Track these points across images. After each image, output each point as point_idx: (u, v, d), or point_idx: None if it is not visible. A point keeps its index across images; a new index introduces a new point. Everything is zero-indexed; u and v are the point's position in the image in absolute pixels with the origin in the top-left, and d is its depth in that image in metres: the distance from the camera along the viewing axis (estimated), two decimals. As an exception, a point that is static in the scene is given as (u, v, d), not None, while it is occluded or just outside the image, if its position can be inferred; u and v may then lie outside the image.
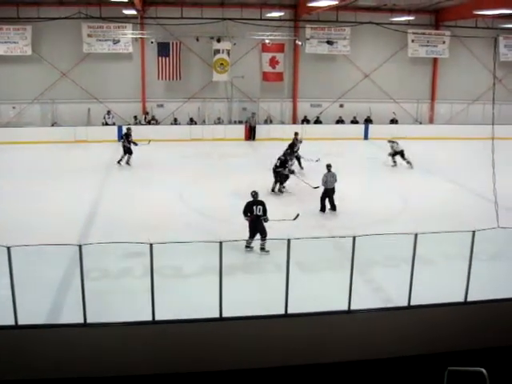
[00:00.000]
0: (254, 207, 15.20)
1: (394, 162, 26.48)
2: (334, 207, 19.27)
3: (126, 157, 26.59)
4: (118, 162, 26.48)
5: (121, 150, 26.76)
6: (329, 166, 19.30)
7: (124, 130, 28.58)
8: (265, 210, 15.22)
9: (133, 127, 30.14)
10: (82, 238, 15.47)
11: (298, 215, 16.25)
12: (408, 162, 26.13)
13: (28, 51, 32.61)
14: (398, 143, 26.46)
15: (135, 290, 12.50)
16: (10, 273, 9.74)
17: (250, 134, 33.81)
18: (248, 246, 15.40)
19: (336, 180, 19.16)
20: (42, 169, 25.33)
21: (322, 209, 19.25)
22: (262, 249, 15.28)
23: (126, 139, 26.71)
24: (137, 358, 10.37)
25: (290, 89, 36.16)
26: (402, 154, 26.17)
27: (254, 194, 15.58)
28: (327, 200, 19.23)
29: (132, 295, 12.41)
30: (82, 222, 17.78)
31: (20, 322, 10.04)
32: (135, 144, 26.59)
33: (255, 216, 15.09)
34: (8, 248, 9.61)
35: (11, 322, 10.01)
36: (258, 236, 15.22)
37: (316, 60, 35.17)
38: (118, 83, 34.05)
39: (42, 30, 32.44)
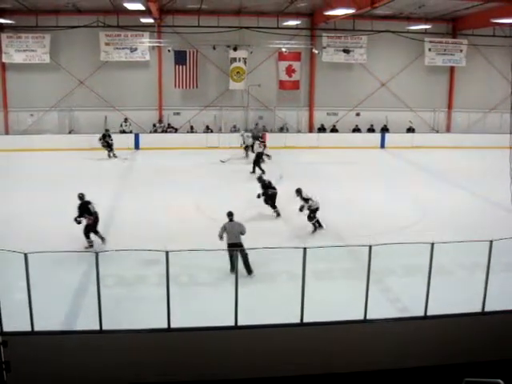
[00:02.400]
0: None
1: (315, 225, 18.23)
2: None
3: (111, 152, 30.18)
4: (113, 156, 30.14)
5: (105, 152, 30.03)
6: (230, 215, 14.55)
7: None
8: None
9: (151, 135, 31.95)
10: (99, 245, 15.54)
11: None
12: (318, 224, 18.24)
13: (46, 59, 32.86)
14: (313, 200, 18.01)
15: (151, 297, 12.51)
16: (26, 279, 9.78)
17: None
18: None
19: (243, 232, 14.34)
20: (58, 175, 25.44)
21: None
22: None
23: (103, 139, 30.09)
24: (151, 366, 10.35)
25: (307, 97, 36.12)
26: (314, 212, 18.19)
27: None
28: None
29: (147, 303, 12.43)
30: (99, 228, 17.81)
31: (36, 328, 10.08)
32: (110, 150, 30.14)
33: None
34: (25, 254, 9.64)
35: (28, 328, 10.05)
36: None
37: (332, 68, 35.13)
38: (135, 91, 34.24)
39: (61, 39, 32.72)
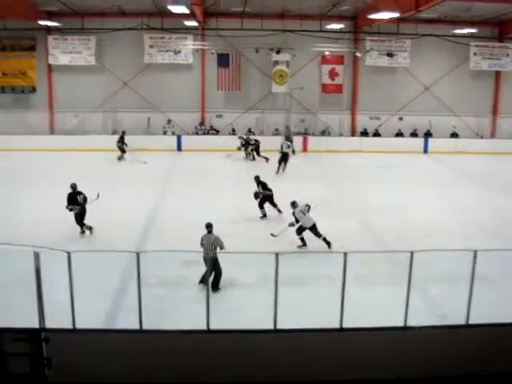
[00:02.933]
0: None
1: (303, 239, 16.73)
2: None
3: (123, 154, 30.18)
4: (120, 159, 30.03)
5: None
6: (209, 227, 13.68)
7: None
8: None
9: (193, 137, 32.51)
10: (140, 245, 15.68)
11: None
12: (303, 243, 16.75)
13: (91, 61, 33.38)
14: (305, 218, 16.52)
15: (191, 298, 12.57)
16: (69, 278, 9.91)
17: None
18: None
19: (219, 246, 13.34)
20: (101, 176, 25.73)
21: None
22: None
23: (120, 141, 30.28)
24: (190, 366, 10.39)
25: (349, 101, 35.94)
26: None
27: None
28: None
29: (187, 303, 12.49)
30: (140, 229, 17.99)
31: (77, 326, 10.22)
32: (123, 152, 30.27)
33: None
34: (68, 253, 9.78)
35: (69, 326, 10.20)
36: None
37: (375, 72, 34.88)
38: (178, 93, 34.52)
39: (106, 41, 33.20)
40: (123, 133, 30.66)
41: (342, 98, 35.73)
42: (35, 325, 10.21)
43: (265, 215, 19.92)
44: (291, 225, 16.52)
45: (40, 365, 10.17)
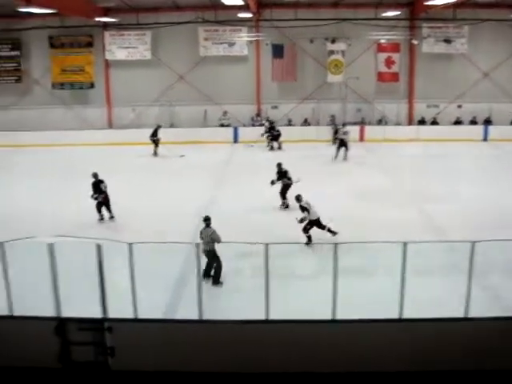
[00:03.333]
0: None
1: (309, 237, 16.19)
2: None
3: (157, 148, 30.02)
4: (155, 154, 29.94)
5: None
6: (207, 220, 13.72)
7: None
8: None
9: (249, 128, 32.79)
10: (197, 237, 15.82)
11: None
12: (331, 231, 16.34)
13: (147, 55, 33.78)
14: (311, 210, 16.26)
15: (247, 288, 12.64)
16: (130, 268, 10.09)
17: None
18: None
19: (215, 240, 13.38)
20: (158, 168, 26.15)
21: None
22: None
23: (154, 134, 30.18)
24: (249, 356, 10.44)
25: (406, 89, 35.43)
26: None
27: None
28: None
29: (244, 294, 12.57)
30: (198, 220, 18.11)
31: (139, 316, 10.40)
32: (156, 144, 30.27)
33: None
34: (129, 244, 9.95)
35: (130, 315, 10.39)
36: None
37: (432, 59, 34.25)
38: (233, 85, 34.62)
39: (161, 35, 33.53)
40: (158, 126, 30.78)
41: (398, 87, 35.24)
42: (98, 315, 10.44)
43: (286, 206, 19.85)
44: (300, 221, 15.92)
45: (103, 354, 10.38)
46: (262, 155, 28.98)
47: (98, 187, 18.13)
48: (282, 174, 20.06)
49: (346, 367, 10.37)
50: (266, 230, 16.32)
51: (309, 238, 15.87)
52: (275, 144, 31.30)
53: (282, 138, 31.31)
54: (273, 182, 19.96)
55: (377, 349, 10.37)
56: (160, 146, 30.01)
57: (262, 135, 31.27)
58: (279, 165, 20.40)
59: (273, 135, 31.25)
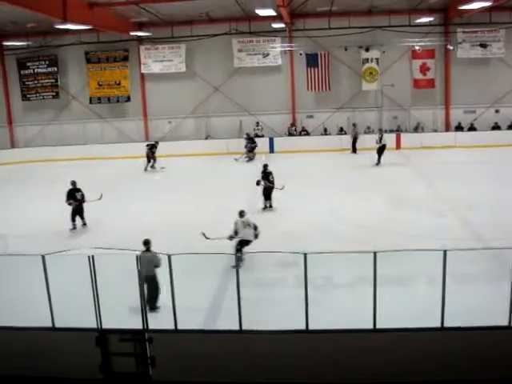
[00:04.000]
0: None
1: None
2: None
3: (149, 163, 29.67)
4: (150, 168, 29.64)
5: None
6: (146, 244, 12.82)
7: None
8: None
9: (284, 138, 33.19)
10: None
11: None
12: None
13: (182, 68, 34.10)
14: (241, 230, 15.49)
15: (287, 299, 12.61)
16: (170, 279, 10.14)
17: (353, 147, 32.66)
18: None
19: (156, 264, 12.41)
20: (196, 180, 26.25)
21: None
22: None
23: (150, 150, 29.75)
24: (290, 367, 10.42)
25: (442, 95, 35.10)
26: None
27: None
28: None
29: (284, 304, 12.54)
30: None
31: (179, 327, 10.45)
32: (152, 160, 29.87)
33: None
34: (169, 256, 10.01)
35: (171, 327, 10.44)
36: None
37: (468, 64, 33.88)
38: (268, 95, 34.68)
39: (195, 47, 33.80)
40: (156, 142, 30.59)
41: (434, 93, 34.94)
42: (139, 326, 10.52)
43: (266, 207, 20.83)
44: (230, 238, 14.87)
45: (144, 364, 10.46)
46: (299, 165, 28.90)
47: (73, 195, 19.08)
48: (264, 176, 20.68)
49: (388, 377, 10.30)
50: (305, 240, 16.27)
51: (239, 258, 13.12)
52: (250, 155, 31.55)
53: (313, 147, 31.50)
54: (258, 183, 20.61)
55: (419, 358, 10.28)
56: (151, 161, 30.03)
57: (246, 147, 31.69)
58: (265, 166, 21.09)
59: (251, 147, 31.61)
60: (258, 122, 34.75)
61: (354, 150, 32.33)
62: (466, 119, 34.72)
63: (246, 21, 32.39)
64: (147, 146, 30.11)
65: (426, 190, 22.87)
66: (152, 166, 29.76)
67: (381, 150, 28.54)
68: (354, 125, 33.34)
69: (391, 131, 33.83)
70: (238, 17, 32.15)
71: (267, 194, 20.79)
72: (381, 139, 28.48)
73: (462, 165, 27.31)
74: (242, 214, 15.32)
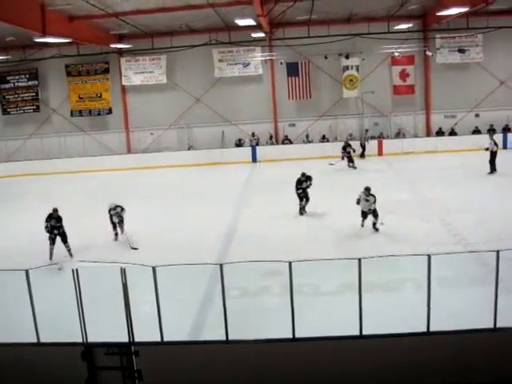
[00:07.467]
0: None
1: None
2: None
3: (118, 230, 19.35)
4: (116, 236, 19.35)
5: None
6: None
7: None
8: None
9: (266, 147, 33.34)
10: (222, 257, 15.82)
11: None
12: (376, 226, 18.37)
13: (163, 79, 34.16)
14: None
15: (273, 307, 12.59)
16: (155, 292, 10.08)
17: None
18: None
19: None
20: (179, 190, 26.21)
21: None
22: None
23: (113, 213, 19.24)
24: (277, 376, 10.38)
25: (423, 101, 35.39)
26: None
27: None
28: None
29: (270, 313, 12.51)
30: (221, 241, 18.14)
31: (165, 339, 10.39)
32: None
33: None
34: (153, 268, 9.96)
35: (157, 339, 10.38)
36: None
37: (447, 70, 34.19)
38: (250, 105, 34.84)
39: (176, 59, 33.89)
40: (122, 210, 18.98)
41: (414, 99, 35.23)
42: (125, 339, 10.44)
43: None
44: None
45: (131, 377, 10.37)
46: (280, 173, 28.91)
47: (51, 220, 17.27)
48: (300, 182, 20.91)
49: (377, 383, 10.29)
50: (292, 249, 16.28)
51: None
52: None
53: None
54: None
55: (406, 363, 10.28)
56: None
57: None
58: (303, 174, 21.05)
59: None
60: (253, 133, 34.80)
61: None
62: (446, 124, 35.04)
63: (226, 31, 32.49)
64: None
65: (409, 195, 22.94)
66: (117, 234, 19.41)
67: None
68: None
69: (373, 138, 33.98)
70: (218, 27, 32.21)
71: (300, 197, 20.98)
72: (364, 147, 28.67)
73: (444, 169, 27.44)
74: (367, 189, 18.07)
